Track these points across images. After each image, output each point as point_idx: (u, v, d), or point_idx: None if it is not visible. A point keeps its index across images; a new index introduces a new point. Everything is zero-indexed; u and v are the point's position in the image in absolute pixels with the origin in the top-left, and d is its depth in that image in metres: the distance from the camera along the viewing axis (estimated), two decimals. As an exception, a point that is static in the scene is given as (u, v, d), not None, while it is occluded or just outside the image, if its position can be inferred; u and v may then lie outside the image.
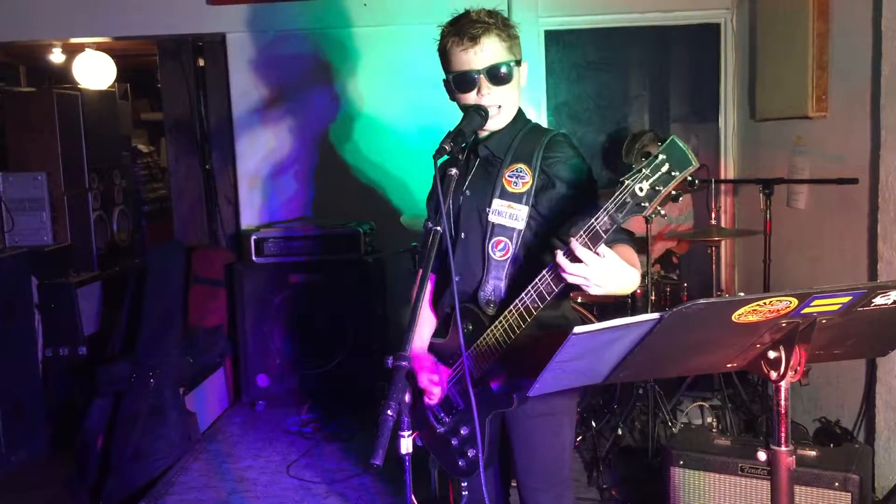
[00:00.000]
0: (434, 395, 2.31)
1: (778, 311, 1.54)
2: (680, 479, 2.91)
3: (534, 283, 1.99)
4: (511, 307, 2.05)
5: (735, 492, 2.80)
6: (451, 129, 2.13)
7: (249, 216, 5.61)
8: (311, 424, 4.77)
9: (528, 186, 2.17)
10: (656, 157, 1.72)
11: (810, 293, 1.50)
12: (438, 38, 2.24)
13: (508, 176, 2.20)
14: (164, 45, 5.76)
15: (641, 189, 1.73)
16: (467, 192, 2.30)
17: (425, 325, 2.45)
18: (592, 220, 1.80)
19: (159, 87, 6.00)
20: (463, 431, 2.27)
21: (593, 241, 1.82)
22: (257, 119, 5.52)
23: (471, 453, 2.25)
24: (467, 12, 2.20)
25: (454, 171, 2.14)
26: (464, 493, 2.38)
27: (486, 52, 2.15)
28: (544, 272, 1.96)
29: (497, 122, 2.25)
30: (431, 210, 2.44)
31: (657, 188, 1.72)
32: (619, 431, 4.00)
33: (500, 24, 2.19)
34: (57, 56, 6.88)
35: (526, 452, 2.33)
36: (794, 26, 4.08)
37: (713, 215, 4.09)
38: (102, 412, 4.23)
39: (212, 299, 5.17)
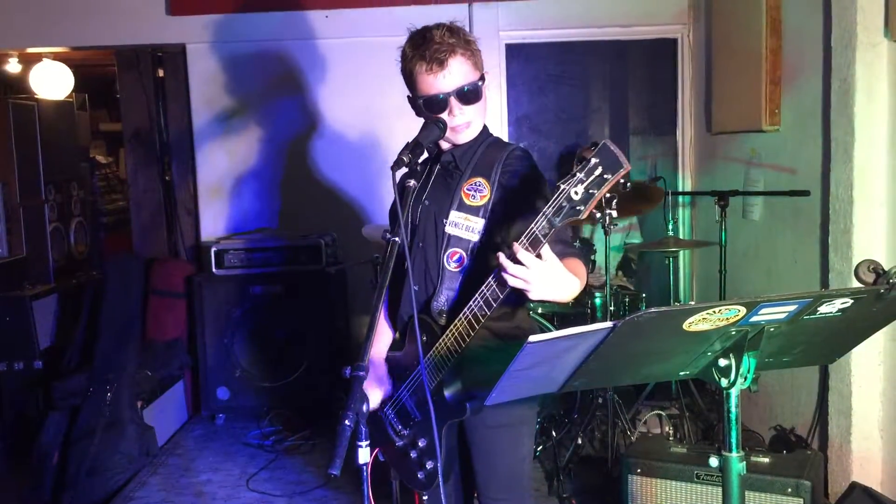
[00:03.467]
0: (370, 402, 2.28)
1: (727, 319, 1.57)
2: (637, 486, 2.94)
3: (480, 290, 2.00)
4: (461, 315, 2.06)
5: (690, 499, 2.85)
6: (409, 141, 2.14)
7: (210, 228, 5.57)
8: (272, 437, 4.74)
9: (485, 200, 2.20)
10: (589, 160, 1.75)
11: (758, 302, 1.54)
12: (400, 58, 2.25)
13: (467, 189, 2.23)
14: (124, 56, 5.71)
15: (577, 193, 1.76)
16: (426, 201, 2.31)
17: (384, 335, 2.47)
18: (532, 224, 1.83)
19: (118, 98, 5.95)
20: (420, 443, 2.27)
21: (534, 245, 1.83)
22: (218, 130, 5.49)
23: (429, 465, 2.25)
24: (429, 33, 2.19)
25: (412, 182, 2.17)
26: None
27: (454, 75, 2.17)
28: (490, 279, 1.97)
29: (465, 136, 2.27)
30: (392, 221, 2.45)
31: (591, 191, 1.75)
32: (579, 441, 4.03)
33: (463, 42, 2.20)
34: (13, 66, 6.77)
35: (486, 463, 2.34)
36: (748, 42, 4.18)
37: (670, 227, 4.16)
38: (58, 427, 4.17)
39: (171, 311, 5.12)
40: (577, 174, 1.76)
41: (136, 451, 4.29)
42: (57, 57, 6.44)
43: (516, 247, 1.85)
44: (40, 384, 4.79)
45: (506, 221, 2.18)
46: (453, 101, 2.19)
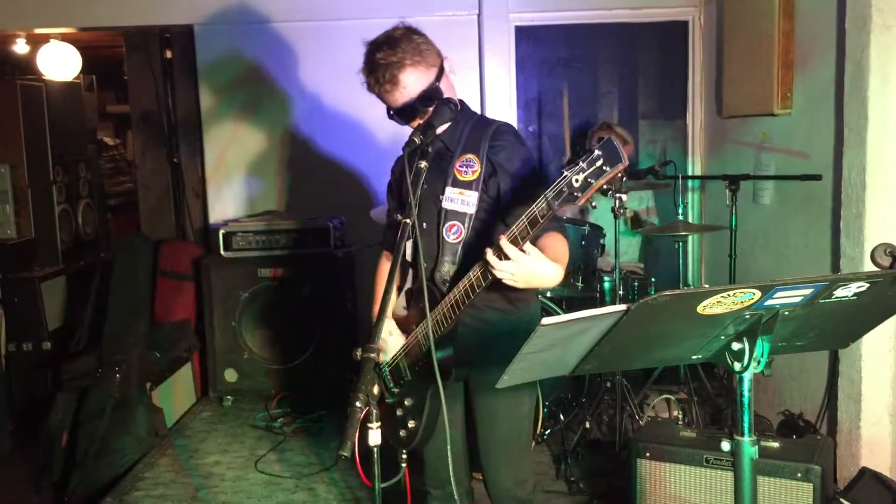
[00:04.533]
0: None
1: (742, 302, 1.56)
2: (646, 470, 2.94)
3: (467, 276, 2.14)
4: (454, 289, 2.21)
5: (700, 483, 2.84)
6: (421, 122, 2.16)
7: (218, 210, 5.56)
8: (280, 419, 4.75)
9: (477, 175, 2.35)
10: (593, 152, 1.85)
11: (773, 285, 1.53)
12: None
13: (459, 166, 2.38)
14: (131, 37, 5.70)
15: (577, 181, 1.86)
16: (424, 185, 2.39)
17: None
18: (533, 205, 1.95)
19: (126, 79, 5.94)
20: (407, 402, 2.41)
21: (532, 224, 1.95)
22: (226, 112, 5.47)
23: (411, 424, 2.39)
24: (373, 55, 2.33)
25: (424, 163, 2.22)
26: (402, 464, 2.41)
27: (409, 87, 2.31)
28: (476, 266, 2.11)
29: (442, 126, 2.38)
30: (394, 200, 2.62)
31: (590, 181, 1.85)
32: (587, 425, 4.02)
33: (407, 52, 2.31)
34: (21, 47, 6.76)
35: (487, 424, 2.50)
36: (761, 25, 4.14)
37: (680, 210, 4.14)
38: (67, 408, 4.18)
39: (179, 293, 5.13)
40: (581, 163, 1.87)
41: (144, 433, 4.30)
42: (65, 38, 6.43)
43: (503, 241, 1.99)
44: (49, 365, 4.81)
45: (498, 194, 2.34)
46: (418, 106, 2.33)
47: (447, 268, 2.36)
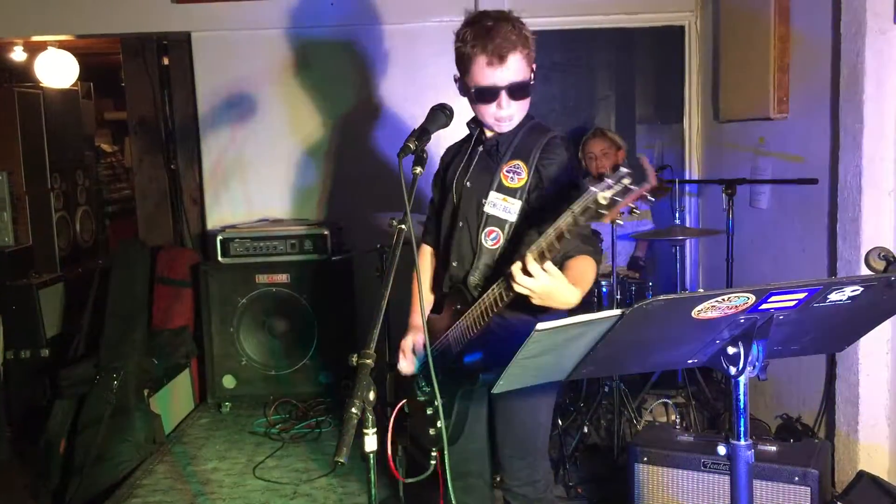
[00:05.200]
0: (404, 362, 2.52)
1: (736, 307, 1.56)
2: (644, 475, 2.94)
3: (496, 283, 2.12)
4: (484, 296, 2.20)
5: (697, 487, 2.84)
6: (416, 128, 2.17)
7: (215, 216, 5.56)
8: (278, 425, 4.75)
9: (523, 182, 2.34)
10: (621, 170, 1.83)
11: (767, 289, 1.53)
12: (457, 40, 2.33)
13: (506, 171, 2.36)
14: (129, 44, 5.70)
15: (605, 198, 1.83)
16: (468, 183, 2.44)
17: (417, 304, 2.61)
18: (559, 220, 1.92)
19: (123, 86, 5.94)
20: (436, 402, 2.41)
21: (558, 239, 1.92)
22: (223, 118, 5.48)
23: (439, 423, 2.38)
24: (496, 27, 2.27)
25: (419, 169, 2.22)
26: (432, 461, 2.47)
27: (510, 70, 2.27)
28: (500, 280, 2.11)
29: (505, 127, 2.39)
30: (437, 192, 2.63)
31: (616, 199, 1.82)
32: (585, 430, 4.02)
33: (523, 40, 2.30)
34: (18, 54, 6.78)
35: (504, 421, 2.52)
36: (757, 29, 4.15)
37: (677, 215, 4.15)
38: (65, 414, 4.18)
39: (177, 300, 5.13)
40: (608, 180, 1.84)
41: (142, 439, 4.30)
42: (62, 45, 6.44)
43: (528, 258, 1.97)
44: (47, 372, 4.81)
45: (540, 205, 2.32)
46: (503, 95, 2.30)
47: (480, 273, 2.38)
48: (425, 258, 2.70)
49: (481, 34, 2.27)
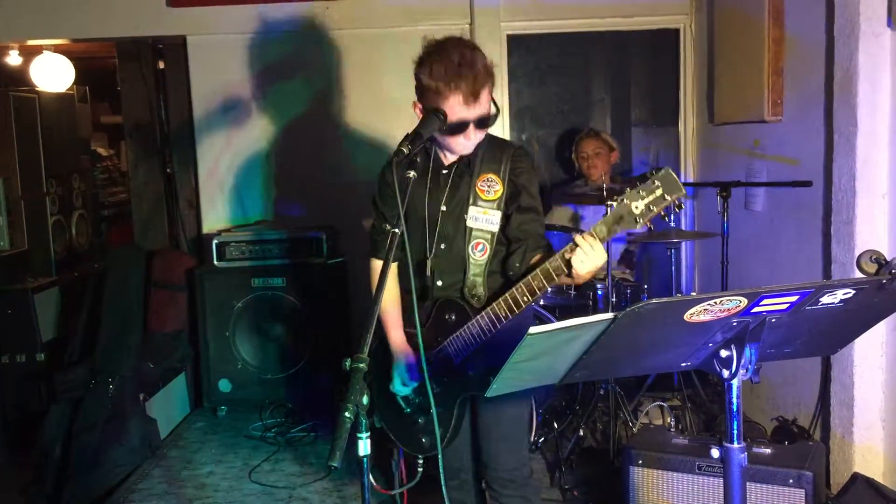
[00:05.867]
0: (400, 386, 2.56)
1: (728, 310, 1.57)
2: (639, 478, 2.94)
3: (525, 279, 2.22)
4: (500, 299, 2.29)
5: (692, 490, 2.84)
6: (409, 132, 2.17)
7: (211, 220, 5.56)
8: (274, 429, 4.75)
9: (499, 194, 2.46)
10: (651, 181, 1.97)
11: (759, 293, 1.54)
12: (425, 71, 2.32)
13: (480, 185, 2.47)
14: (124, 48, 5.70)
15: (637, 207, 1.99)
16: (444, 207, 2.50)
17: (397, 319, 2.65)
18: (593, 227, 2.08)
19: (119, 90, 5.94)
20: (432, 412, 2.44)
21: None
22: (219, 122, 5.48)
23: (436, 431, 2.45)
24: (469, 65, 2.29)
25: (412, 173, 2.23)
26: (419, 468, 2.58)
27: (481, 106, 2.36)
28: (537, 270, 2.20)
29: (467, 149, 2.45)
30: (383, 211, 2.61)
31: (651, 207, 1.98)
32: (581, 433, 4.03)
33: (489, 70, 2.35)
34: (14, 58, 6.77)
35: (492, 414, 2.59)
36: (751, 32, 4.16)
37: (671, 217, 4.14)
38: (61, 419, 4.17)
39: (173, 304, 5.12)
40: (640, 191, 1.99)
41: (138, 444, 4.29)
42: (57, 49, 6.44)
43: (586, 235, 2.12)
44: (42, 377, 4.79)
45: (518, 213, 2.47)
46: (472, 126, 2.37)
47: (474, 282, 2.47)
48: (391, 273, 2.56)
49: (452, 72, 2.28)
